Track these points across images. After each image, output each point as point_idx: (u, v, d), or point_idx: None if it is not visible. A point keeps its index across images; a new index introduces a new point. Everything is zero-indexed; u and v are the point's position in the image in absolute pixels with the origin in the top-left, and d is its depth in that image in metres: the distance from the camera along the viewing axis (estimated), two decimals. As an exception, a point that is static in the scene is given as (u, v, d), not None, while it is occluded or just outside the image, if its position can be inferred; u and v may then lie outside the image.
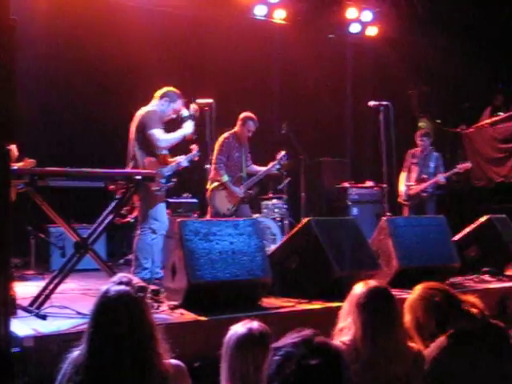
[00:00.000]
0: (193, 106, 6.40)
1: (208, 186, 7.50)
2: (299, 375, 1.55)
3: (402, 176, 8.94)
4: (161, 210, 6.06)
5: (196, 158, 6.53)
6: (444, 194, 9.38)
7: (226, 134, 7.60)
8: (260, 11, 10.16)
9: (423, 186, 8.74)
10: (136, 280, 2.48)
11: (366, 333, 2.73)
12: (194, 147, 6.47)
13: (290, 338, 1.65)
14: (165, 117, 6.22)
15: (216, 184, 7.45)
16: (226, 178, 7.44)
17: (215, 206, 7.46)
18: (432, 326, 2.97)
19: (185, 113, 6.31)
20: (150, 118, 6.08)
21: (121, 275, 2.49)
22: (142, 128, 6.02)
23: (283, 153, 7.90)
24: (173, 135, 6.18)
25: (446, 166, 9.06)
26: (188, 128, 6.25)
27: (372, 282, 2.93)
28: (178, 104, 6.29)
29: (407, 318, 3.05)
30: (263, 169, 7.88)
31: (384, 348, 2.69)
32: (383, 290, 2.89)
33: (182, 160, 6.29)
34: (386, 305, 2.80)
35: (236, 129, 7.64)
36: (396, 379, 2.67)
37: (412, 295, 3.11)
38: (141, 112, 6.14)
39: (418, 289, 3.11)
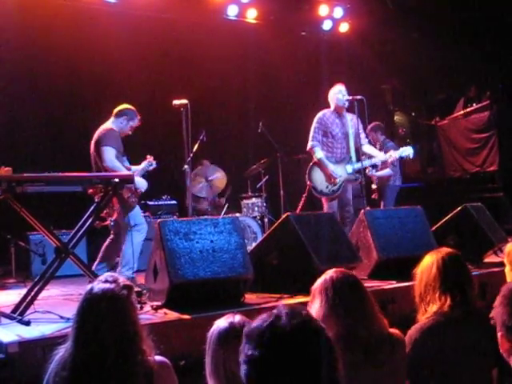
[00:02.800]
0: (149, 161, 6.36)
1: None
2: (276, 341, 1.50)
3: None
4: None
5: (150, 168, 6.40)
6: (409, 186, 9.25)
7: (323, 111, 7.39)
8: (232, 11, 10.20)
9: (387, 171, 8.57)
10: (122, 279, 2.51)
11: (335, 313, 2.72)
12: (149, 157, 6.42)
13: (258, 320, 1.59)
14: (122, 134, 6.28)
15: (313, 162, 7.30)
16: (319, 155, 7.17)
17: (313, 182, 7.28)
18: (434, 290, 3.04)
19: (149, 167, 6.33)
20: (108, 135, 6.11)
21: (107, 274, 2.53)
22: (99, 143, 6.07)
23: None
24: (119, 167, 6.03)
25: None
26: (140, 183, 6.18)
27: (337, 270, 2.90)
28: (136, 121, 6.35)
29: (416, 282, 3.15)
30: (381, 156, 7.54)
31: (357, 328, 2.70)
32: (348, 277, 2.86)
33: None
34: (351, 290, 2.78)
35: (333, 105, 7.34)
36: (373, 364, 2.69)
37: (426, 258, 3.18)
38: (99, 129, 6.20)
39: (433, 253, 3.19)
